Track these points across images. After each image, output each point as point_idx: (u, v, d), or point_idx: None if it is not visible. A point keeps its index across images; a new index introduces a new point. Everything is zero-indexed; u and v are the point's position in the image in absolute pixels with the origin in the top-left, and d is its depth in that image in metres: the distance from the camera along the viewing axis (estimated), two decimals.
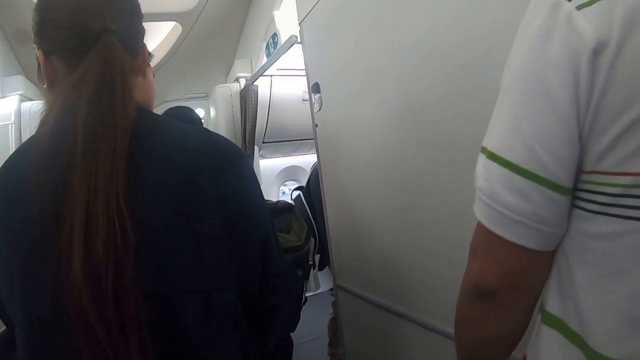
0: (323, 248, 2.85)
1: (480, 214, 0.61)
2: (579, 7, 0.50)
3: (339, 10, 1.64)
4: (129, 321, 0.62)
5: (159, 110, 1.82)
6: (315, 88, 1.89)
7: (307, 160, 5.10)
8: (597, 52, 0.49)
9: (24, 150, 0.73)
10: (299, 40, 2.10)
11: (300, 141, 4.53)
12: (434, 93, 1.16)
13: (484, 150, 0.60)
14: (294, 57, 2.70)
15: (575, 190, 0.56)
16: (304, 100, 3.74)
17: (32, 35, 0.78)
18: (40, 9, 0.77)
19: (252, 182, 0.81)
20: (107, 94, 0.69)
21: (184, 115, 2.10)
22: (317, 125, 1.94)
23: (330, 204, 1.95)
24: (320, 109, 1.87)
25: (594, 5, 0.49)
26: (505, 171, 0.56)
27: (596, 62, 0.49)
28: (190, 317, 0.69)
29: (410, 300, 1.38)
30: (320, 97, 1.86)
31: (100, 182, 0.63)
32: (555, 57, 0.52)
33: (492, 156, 0.58)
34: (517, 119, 0.56)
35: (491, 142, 0.59)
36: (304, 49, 1.98)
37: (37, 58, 0.79)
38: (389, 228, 1.48)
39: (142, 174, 0.68)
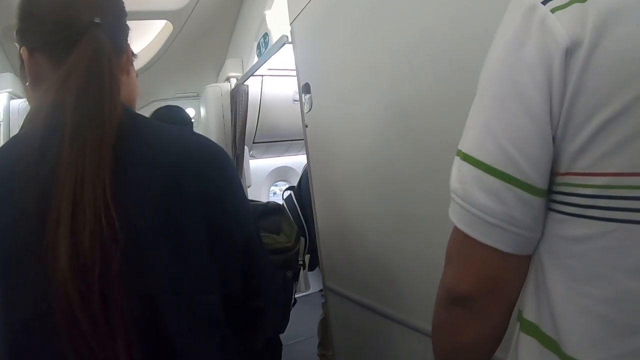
0: (314, 248, 2.92)
1: (455, 217, 0.60)
2: (554, 10, 0.51)
3: (331, 10, 1.63)
4: (115, 315, 0.61)
5: (148, 109, 1.81)
6: (305, 88, 1.88)
7: (297, 160, 5.11)
8: (569, 52, 0.50)
9: (12, 147, 0.72)
10: (289, 40, 2.09)
11: (291, 142, 4.53)
12: (426, 94, 1.16)
13: (458, 152, 0.60)
14: (285, 57, 2.69)
15: (551, 193, 0.57)
16: (294, 100, 3.73)
17: (15, 32, 0.77)
18: (23, 4, 0.76)
19: (236, 185, 0.82)
20: (94, 89, 0.68)
21: (174, 115, 2.09)
22: (307, 126, 1.94)
23: (319, 205, 1.95)
24: (310, 110, 1.87)
25: (568, 8, 0.50)
26: (479, 172, 0.56)
27: (569, 63, 0.50)
28: (172, 319, 0.68)
29: (398, 302, 1.38)
30: (310, 98, 1.85)
31: (87, 174, 0.62)
32: (528, 59, 0.53)
33: (466, 157, 0.58)
34: (489, 121, 0.56)
35: (465, 144, 0.59)
36: (294, 49, 1.98)
37: (20, 56, 0.77)
38: (378, 230, 1.47)
39: (126, 174, 0.67)
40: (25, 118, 0.74)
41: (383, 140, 1.38)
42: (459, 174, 0.59)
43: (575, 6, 0.50)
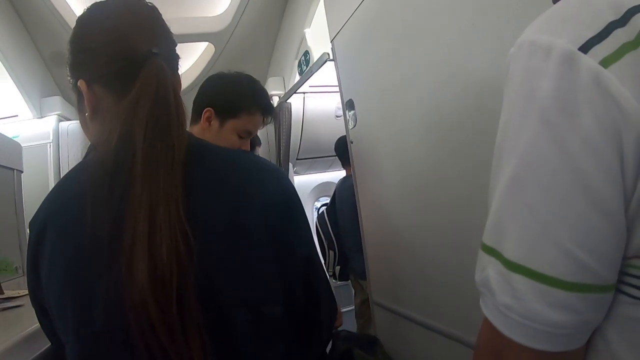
0: (344, 261, 3.16)
1: (508, 330, 0.49)
2: (605, 64, 0.41)
3: (371, 26, 1.65)
4: (191, 325, 0.63)
5: None
6: (349, 105, 1.89)
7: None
8: None
9: (80, 172, 0.76)
10: (331, 57, 2.11)
11: (333, 157, 4.53)
12: (468, 107, 1.15)
13: (495, 254, 0.50)
14: (326, 74, 2.72)
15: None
16: (337, 116, 3.76)
17: (68, 67, 0.81)
18: (76, 39, 0.79)
19: (295, 202, 0.84)
20: (163, 114, 0.71)
21: None
22: (352, 142, 1.95)
23: (366, 220, 1.95)
24: (355, 126, 1.87)
25: (623, 60, 0.41)
26: (544, 287, 0.45)
27: None
28: (242, 328, 0.70)
29: (450, 317, 1.36)
30: (354, 114, 1.86)
31: (161, 193, 0.65)
32: (587, 137, 0.42)
33: (517, 268, 0.47)
34: (546, 222, 0.45)
35: (509, 249, 0.48)
36: (336, 66, 2.00)
37: (74, 88, 0.81)
38: (427, 243, 1.46)
39: (194, 193, 0.70)
40: (90, 146, 0.78)
41: (428, 152, 1.37)
42: (510, 288, 0.47)
43: (630, 57, 0.40)
